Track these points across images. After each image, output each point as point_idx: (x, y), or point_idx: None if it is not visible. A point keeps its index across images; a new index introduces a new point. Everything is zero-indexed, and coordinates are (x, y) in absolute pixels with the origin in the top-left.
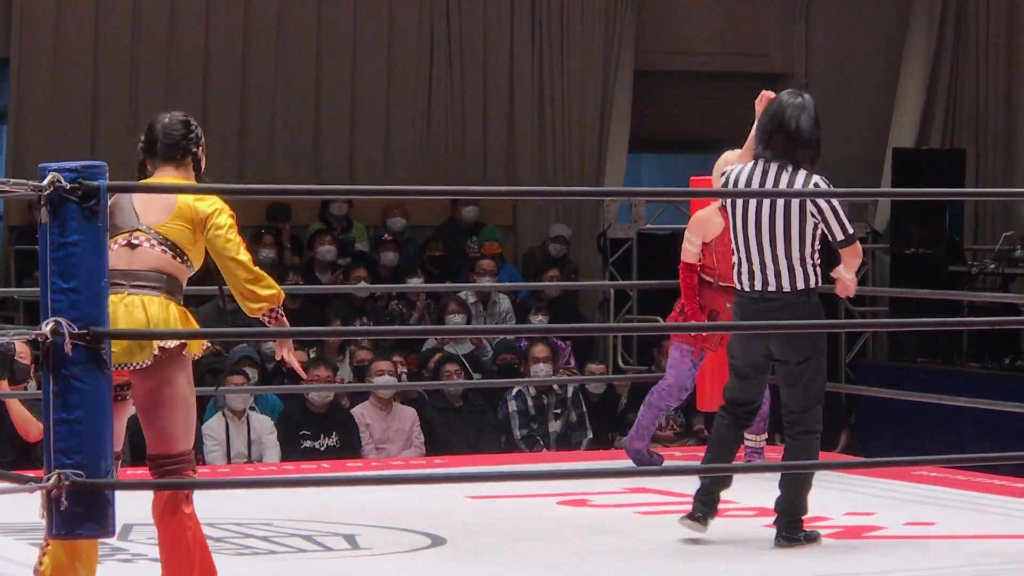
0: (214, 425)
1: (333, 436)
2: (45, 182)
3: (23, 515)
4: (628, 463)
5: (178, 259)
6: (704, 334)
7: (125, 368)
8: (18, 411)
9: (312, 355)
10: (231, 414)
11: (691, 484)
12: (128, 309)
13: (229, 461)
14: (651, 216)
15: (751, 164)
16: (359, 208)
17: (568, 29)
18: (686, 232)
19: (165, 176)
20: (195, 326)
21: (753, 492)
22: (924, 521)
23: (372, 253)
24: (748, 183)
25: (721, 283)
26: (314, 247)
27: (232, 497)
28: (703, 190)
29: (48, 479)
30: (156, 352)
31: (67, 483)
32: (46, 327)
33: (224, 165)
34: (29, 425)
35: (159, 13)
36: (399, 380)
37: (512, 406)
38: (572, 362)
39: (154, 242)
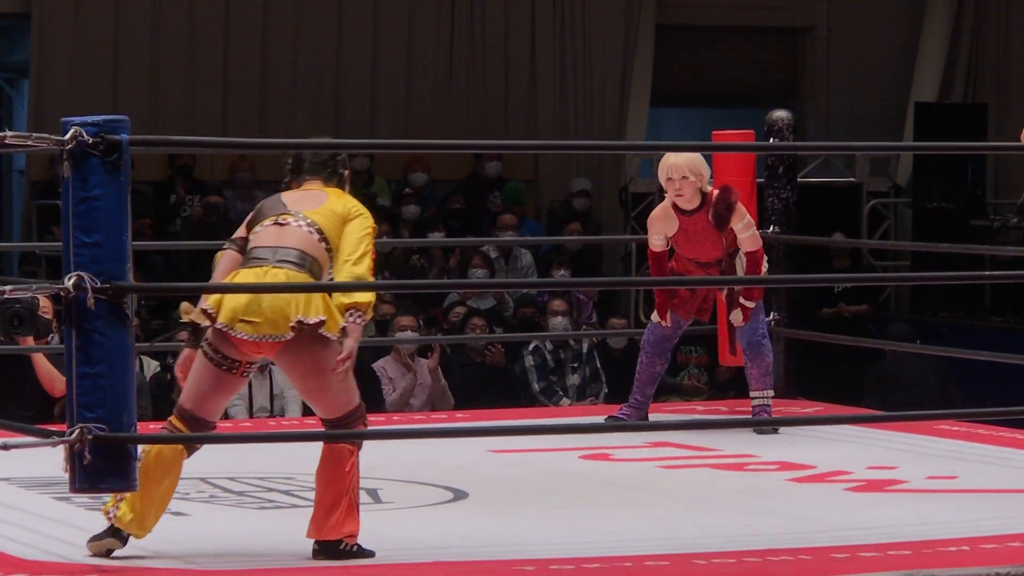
0: None
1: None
2: (67, 136)
3: (46, 469)
4: (654, 417)
5: (323, 244)
6: (679, 300)
7: (267, 340)
8: (43, 365)
9: None
10: (255, 373)
11: (712, 438)
12: (273, 280)
13: (251, 415)
14: None
15: None
16: (380, 162)
17: None
18: (648, 230)
19: (319, 188)
20: (334, 309)
21: (774, 447)
22: (946, 475)
23: (394, 207)
24: None
25: (691, 258)
26: None
27: (254, 451)
28: (725, 144)
29: (71, 433)
30: (294, 325)
31: (90, 437)
32: (68, 281)
33: (245, 121)
34: (54, 380)
35: None
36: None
37: (529, 360)
38: (594, 317)
39: (303, 223)
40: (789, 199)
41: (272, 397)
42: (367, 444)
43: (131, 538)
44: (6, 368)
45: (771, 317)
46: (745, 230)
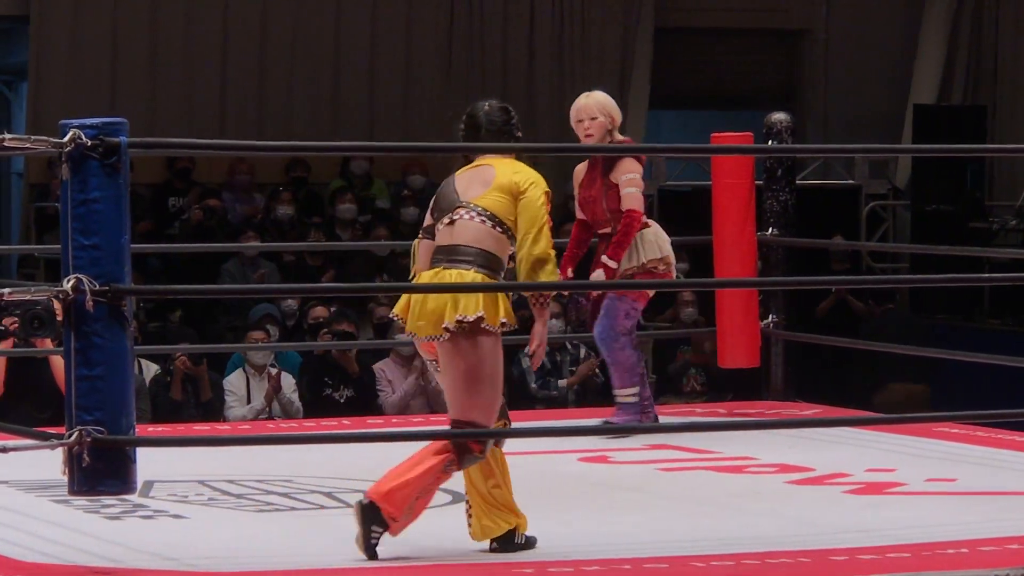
0: (235, 380)
1: (351, 388)
2: (66, 139)
3: (45, 472)
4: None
5: (498, 228)
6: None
7: (429, 340)
8: (60, 367)
9: (333, 311)
10: (252, 369)
11: (711, 440)
12: (439, 282)
13: (253, 418)
14: (672, 173)
15: None
16: (379, 165)
17: None
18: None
19: (488, 160)
20: (500, 304)
21: (773, 449)
22: (945, 477)
23: (392, 210)
24: None
25: (596, 231)
26: (335, 204)
27: (253, 453)
28: (724, 146)
29: (69, 436)
30: (451, 325)
31: (88, 440)
32: (67, 284)
33: (243, 123)
34: None
35: None
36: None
37: (526, 362)
38: None
39: (473, 214)
40: (788, 201)
41: (272, 399)
42: (366, 446)
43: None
44: (22, 370)
45: (769, 320)
46: (628, 185)
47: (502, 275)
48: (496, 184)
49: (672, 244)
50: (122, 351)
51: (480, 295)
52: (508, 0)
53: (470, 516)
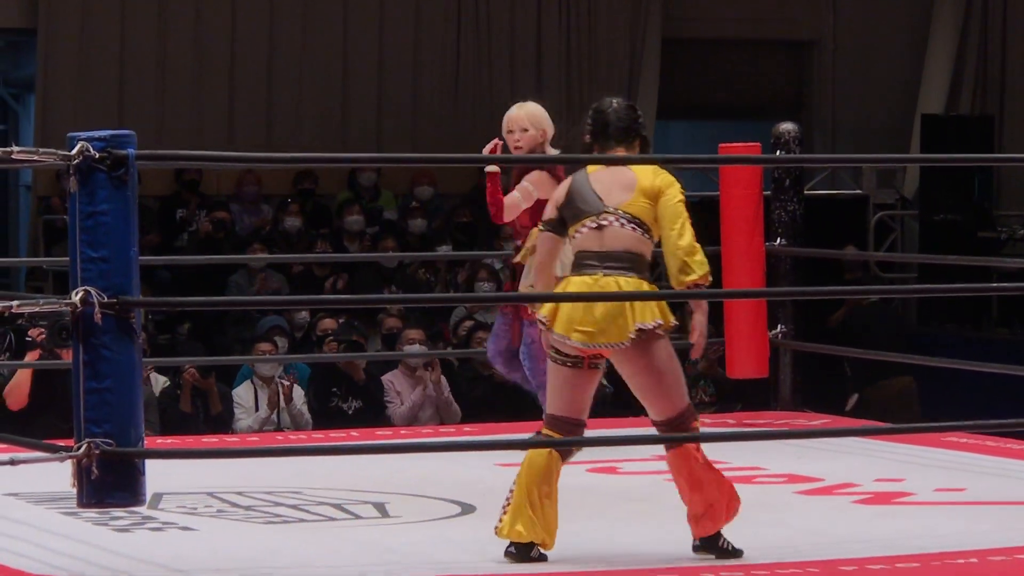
0: (243, 392)
1: (360, 399)
2: (74, 151)
3: (54, 484)
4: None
5: (644, 235)
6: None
7: (601, 348)
8: None
9: (341, 322)
10: (260, 381)
11: (720, 450)
12: (603, 291)
13: (260, 428)
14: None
15: None
16: (387, 176)
17: None
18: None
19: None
20: (665, 308)
21: (780, 458)
22: (954, 487)
23: (400, 221)
24: None
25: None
26: (342, 216)
27: (262, 465)
28: (731, 156)
29: (78, 448)
30: (632, 334)
31: (97, 452)
32: (76, 296)
33: (251, 135)
34: None
35: None
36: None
37: None
38: None
39: (623, 220)
40: (796, 212)
41: (279, 410)
42: (375, 457)
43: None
44: (47, 381)
45: (777, 330)
46: (520, 189)
47: (649, 276)
48: (639, 189)
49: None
50: (131, 363)
51: (653, 304)
52: (515, 11)
53: (505, 511)
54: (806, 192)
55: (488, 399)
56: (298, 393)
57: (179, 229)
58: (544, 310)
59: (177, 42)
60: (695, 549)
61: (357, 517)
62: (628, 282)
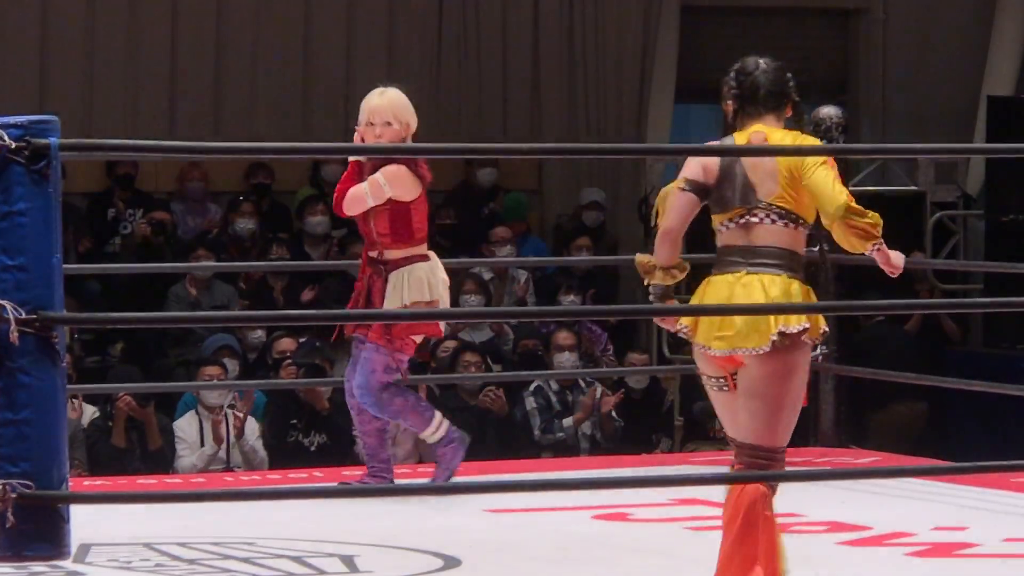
0: (186, 425)
1: (323, 433)
2: None
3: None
4: (674, 470)
5: (797, 228)
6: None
7: (740, 353)
8: None
9: (302, 342)
10: (206, 411)
11: None
12: (746, 290)
13: (205, 467)
14: None
15: None
16: None
17: None
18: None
19: (765, 127)
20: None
21: (825, 505)
22: None
23: None
24: None
25: (369, 252)
26: (303, 217)
27: (208, 511)
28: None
29: None
30: (775, 337)
31: (13, 495)
32: None
33: (196, 122)
34: None
35: None
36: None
37: (531, 403)
38: (610, 351)
39: (774, 216)
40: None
41: (228, 446)
42: (341, 502)
43: None
44: None
45: (818, 351)
46: (369, 182)
47: (802, 272)
48: (784, 181)
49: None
50: (53, 391)
51: (801, 301)
52: None
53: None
54: (851, 188)
55: (476, 432)
56: (251, 426)
57: (111, 232)
58: (685, 318)
59: (109, 14)
60: None
61: (321, 572)
62: (774, 280)
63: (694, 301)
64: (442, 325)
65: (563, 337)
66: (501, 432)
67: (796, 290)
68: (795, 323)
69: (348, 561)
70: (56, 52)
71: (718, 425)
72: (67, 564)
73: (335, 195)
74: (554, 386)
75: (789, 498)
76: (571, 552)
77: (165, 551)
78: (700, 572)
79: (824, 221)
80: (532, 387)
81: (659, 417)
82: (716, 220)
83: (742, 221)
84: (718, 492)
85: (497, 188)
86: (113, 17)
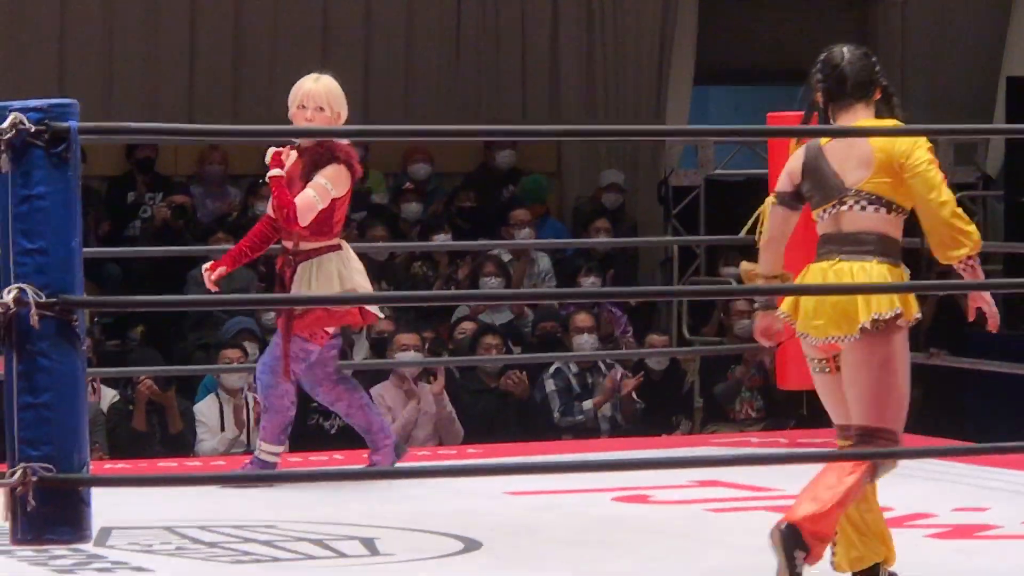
0: (206, 408)
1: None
2: (5, 124)
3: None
4: (695, 452)
5: (891, 213)
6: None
7: (832, 342)
8: None
9: None
10: (226, 394)
11: (772, 475)
12: (838, 276)
13: (226, 451)
14: (721, 160)
15: None
16: (375, 152)
17: None
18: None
19: (857, 118)
20: (911, 296)
21: None
22: None
23: (391, 206)
24: None
25: (282, 243)
26: None
27: (229, 494)
28: (781, 128)
29: (12, 475)
30: (867, 324)
31: (34, 479)
32: (8, 295)
33: (215, 103)
34: None
35: None
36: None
37: (551, 385)
38: (629, 333)
39: (864, 203)
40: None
41: (249, 429)
42: (363, 485)
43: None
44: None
45: None
46: (314, 187)
47: (899, 256)
48: (878, 163)
49: (719, 244)
50: (73, 374)
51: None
52: None
53: (835, 545)
54: None
55: (495, 414)
56: None
57: (131, 215)
58: (785, 305)
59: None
60: (772, 532)
61: (341, 555)
62: (866, 267)
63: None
64: (376, 309)
65: (582, 319)
66: (521, 414)
67: (888, 275)
68: (887, 308)
69: (369, 544)
70: (75, 36)
71: (738, 407)
72: (88, 547)
73: (279, 212)
74: (574, 368)
75: (806, 479)
76: (591, 534)
77: (186, 534)
78: (721, 553)
79: (924, 224)
80: (552, 369)
81: (679, 399)
82: (814, 213)
83: (834, 211)
84: (738, 474)
85: (516, 171)
86: (131, 2)
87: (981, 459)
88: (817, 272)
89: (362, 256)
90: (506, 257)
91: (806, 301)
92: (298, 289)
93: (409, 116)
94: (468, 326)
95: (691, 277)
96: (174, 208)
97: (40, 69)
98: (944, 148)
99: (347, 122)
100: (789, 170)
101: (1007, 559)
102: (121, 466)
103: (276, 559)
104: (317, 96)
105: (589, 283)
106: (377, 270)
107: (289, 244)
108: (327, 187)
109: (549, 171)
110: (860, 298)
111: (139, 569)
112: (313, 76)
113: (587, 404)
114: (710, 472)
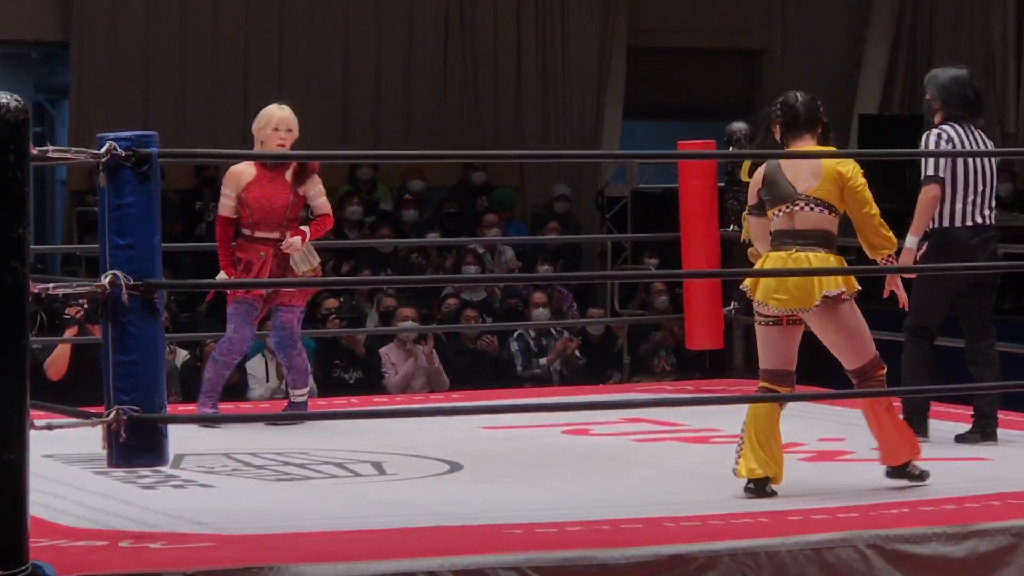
0: (255, 365)
1: (360, 370)
2: (103, 150)
3: (87, 447)
4: (628, 396)
5: (832, 214)
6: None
7: (795, 312)
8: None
9: (341, 301)
10: (271, 354)
11: (681, 414)
12: (796, 263)
13: (270, 397)
14: (644, 177)
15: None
16: (383, 171)
17: (568, 10)
18: (222, 187)
19: (806, 145)
20: (850, 277)
21: (736, 421)
22: None
23: (394, 212)
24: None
25: (256, 233)
26: (343, 207)
27: (272, 429)
28: (689, 152)
29: (108, 414)
30: (819, 301)
31: (125, 418)
32: (105, 279)
33: None
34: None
35: (203, 2)
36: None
37: (515, 346)
38: (574, 307)
39: (812, 205)
40: (746, 201)
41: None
42: (373, 421)
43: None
44: (85, 354)
45: (731, 306)
46: (320, 195)
47: (836, 248)
48: (826, 176)
49: (641, 240)
50: (154, 339)
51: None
52: (497, 23)
53: (739, 455)
54: None
55: (473, 368)
56: None
57: (197, 219)
58: (747, 281)
59: (195, 53)
60: (887, 475)
61: (357, 475)
62: (817, 256)
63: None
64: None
65: (538, 297)
66: (492, 368)
67: (833, 261)
68: (834, 287)
69: (378, 466)
70: (155, 83)
71: (656, 362)
72: (165, 469)
73: (257, 206)
74: (532, 334)
75: (709, 418)
76: (546, 458)
77: (239, 459)
78: (643, 471)
79: (858, 229)
80: (515, 334)
81: (612, 357)
82: (769, 212)
83: (788, 210)
84: (656, 413)
85: (488, 185)
86: (199, 56)
87: (841, 403)
88: (777, 259)
89: (372, 250)
90: (481, 250)
91: (766, 281)
92: (305, 261)
93: (409, 144)
94: (452, 302)
95: (620, 265)
96: None
97: (129, 107)
98: None
99: (360, 147)
100: (754, 185)
101: (859, 476)
102: (191, 408)
103: (308, 478)
104: (288, 121)
105: (543, 270)
106: (384, 260)
107: (276, 235)
108: (325, 196)
109: (514, 185)
110: (816, 280)
111: (204, 485)
112: (277, 105)
113: (542, 361)
114: (635, 412)
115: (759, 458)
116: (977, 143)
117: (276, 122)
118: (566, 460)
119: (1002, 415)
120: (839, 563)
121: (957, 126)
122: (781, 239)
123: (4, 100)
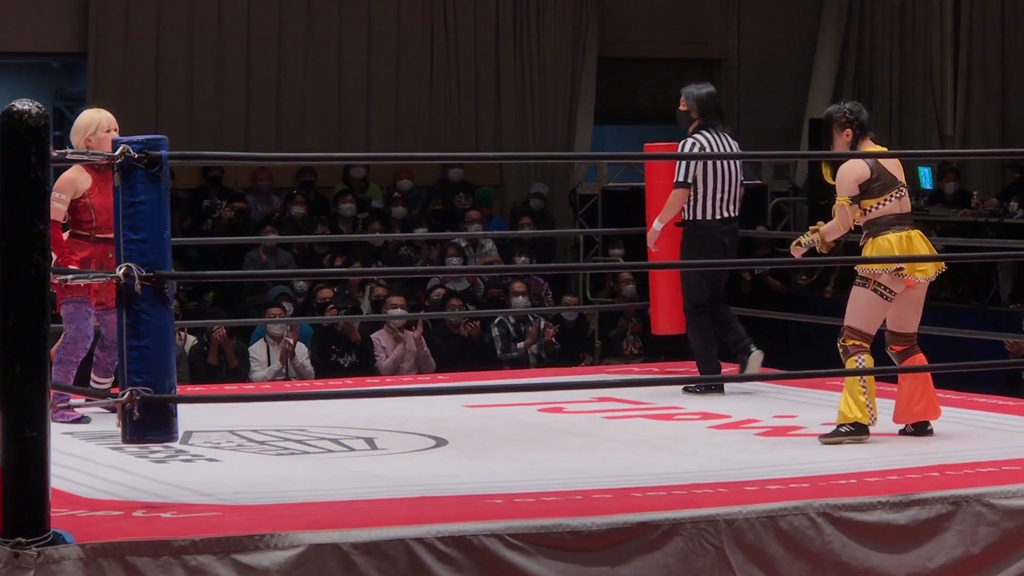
0: (257, 349)
1: (353, 354)
2: (117, 152)
3: (102, 424)
4: (599, 377)
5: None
6: (96, 287)
7: (927, 280)
8: None
9: (336, 291)
10: (271, 339)
11: (647, 393)
12: (912, 240)
13: (272, 379)
14: (613, 176)
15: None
16: (375, 171)
17: (543, 24)
18: (54, 191)
19: (869, 145)
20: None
21: (695, 399)
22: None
23: (385, 208)
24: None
25: (98, 235)
26: (338, 204)
27: (273, 408)
28: (655, 153)
29: (123, 395)
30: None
31: (138, 398)
32: (120, 271)
33: (263, 137)
34: None
35: (210, 15)
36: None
37: (495, 331)
38: (549, 295)
39: (905, 192)
40: (794, 204)
41: (287, 364)
42: (365, 400)
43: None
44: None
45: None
46: None
47: None
48: (900, 169)
49: (611, 234)
50: (165, 325)
51: (925, 246)
52: (478, 37)
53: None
54: None
55: (457, 352)
56: (301, 350)
57: (205, 216)
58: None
59: (203, 63)
60: (902, 432)
61: (351, 450)
62: (916, 234)
63: (896, 253)
64: None
65: (517, 286)
66: (475, 352)
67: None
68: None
69: (370, 442)
70: (165, 91)
71: (624, 346)
72: (175, 445)
73: (102, 209)
74: (511, 320)
75: (673, 397)
76: (524, 434)
77: (243, 435)
78: (613, 446)
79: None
80: (496, 320)
81: (584, 341)
82: (875, 201)
83: (898, 195)
84: (625, 393)
85: (466, 183)
86: (206, 66)
87: (793, 382)
88: (898, 240)
89: (364, 243)
90: (463, 243)
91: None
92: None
93: (398, 147)
94: (439, 291)
95: (592, 257)
96: (235, 211)
97: (142, 113)
98: (767, 167)
99: (352, 150)
100: (859, 179)
101: (809, 448)
102: (198, 389)
103: (306, 452)
104: (114, 120)
105: (521, 261)
106: (375, 253)
107: (106, 235)
108: None
109: (495, 184)
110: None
111: (211, 460)
112: (94, 109)
113: (520, 345)
114: (605, 391)
115: (857, 406)
116: (726, 146)
117: (107, 124)
118: (542, 436)
119: (941, 394)
120: (792, 530)
121: (708, 133)
122: (899, 220)
123: (26, 107)
